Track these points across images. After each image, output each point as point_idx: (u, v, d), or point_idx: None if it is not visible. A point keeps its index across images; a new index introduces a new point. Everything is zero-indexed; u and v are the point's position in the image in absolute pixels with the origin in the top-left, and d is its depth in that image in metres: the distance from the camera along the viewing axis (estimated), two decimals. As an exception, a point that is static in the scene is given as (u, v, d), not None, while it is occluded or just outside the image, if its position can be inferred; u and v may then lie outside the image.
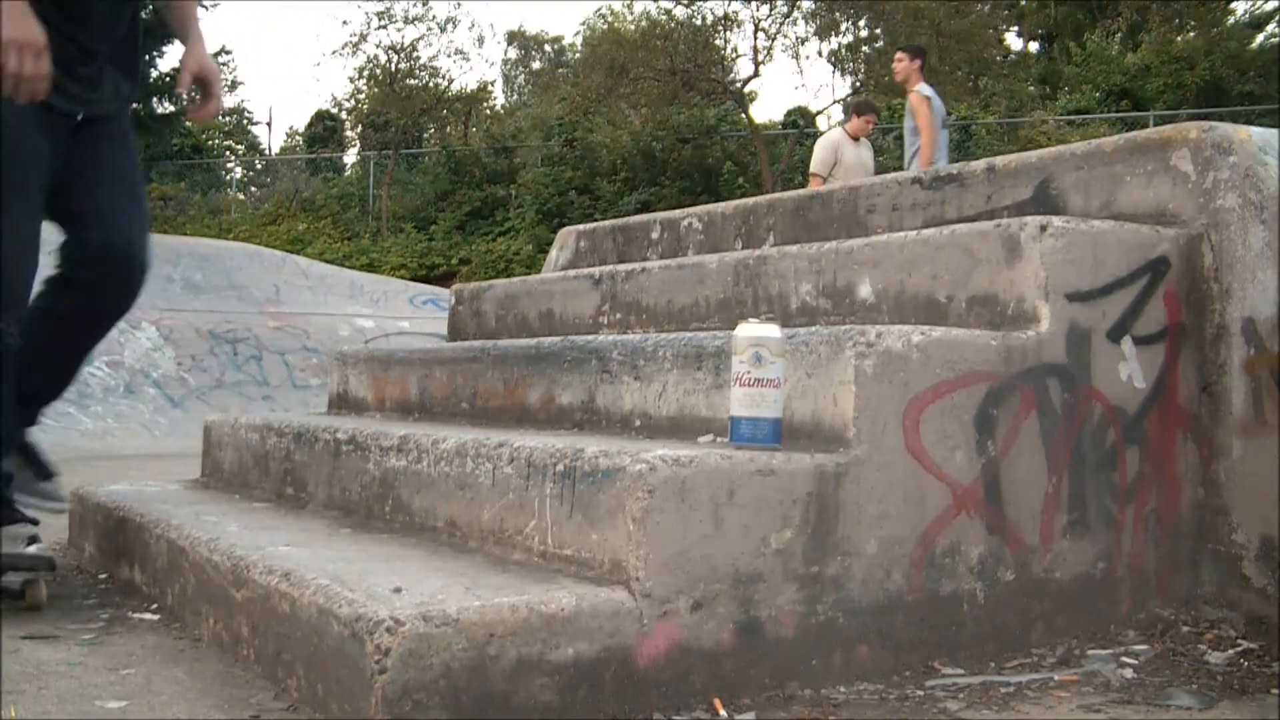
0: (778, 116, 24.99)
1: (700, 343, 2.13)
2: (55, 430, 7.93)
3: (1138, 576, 2.14)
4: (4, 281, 2.25)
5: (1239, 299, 2.18)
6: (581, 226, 4.12)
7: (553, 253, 4.18)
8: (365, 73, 23.50)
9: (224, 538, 2.16)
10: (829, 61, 22.62)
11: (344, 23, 49.26)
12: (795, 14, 20.73)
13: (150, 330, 8.58)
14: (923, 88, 8.01)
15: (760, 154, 19.64)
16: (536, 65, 39.66)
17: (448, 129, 26.56)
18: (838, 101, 21.18)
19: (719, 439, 1.97)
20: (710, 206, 3.56)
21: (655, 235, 3.65)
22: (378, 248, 20.05)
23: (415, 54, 23.32)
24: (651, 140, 19.77)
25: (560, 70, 33.75)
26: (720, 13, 20.72)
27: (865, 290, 2.35)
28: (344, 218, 22.19)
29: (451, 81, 24.34)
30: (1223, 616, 2.12)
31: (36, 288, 2.38)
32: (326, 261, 14.21)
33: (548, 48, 40.56)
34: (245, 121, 32.78)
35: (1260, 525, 2.14)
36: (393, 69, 23.26)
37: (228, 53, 33.57)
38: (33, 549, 2.39)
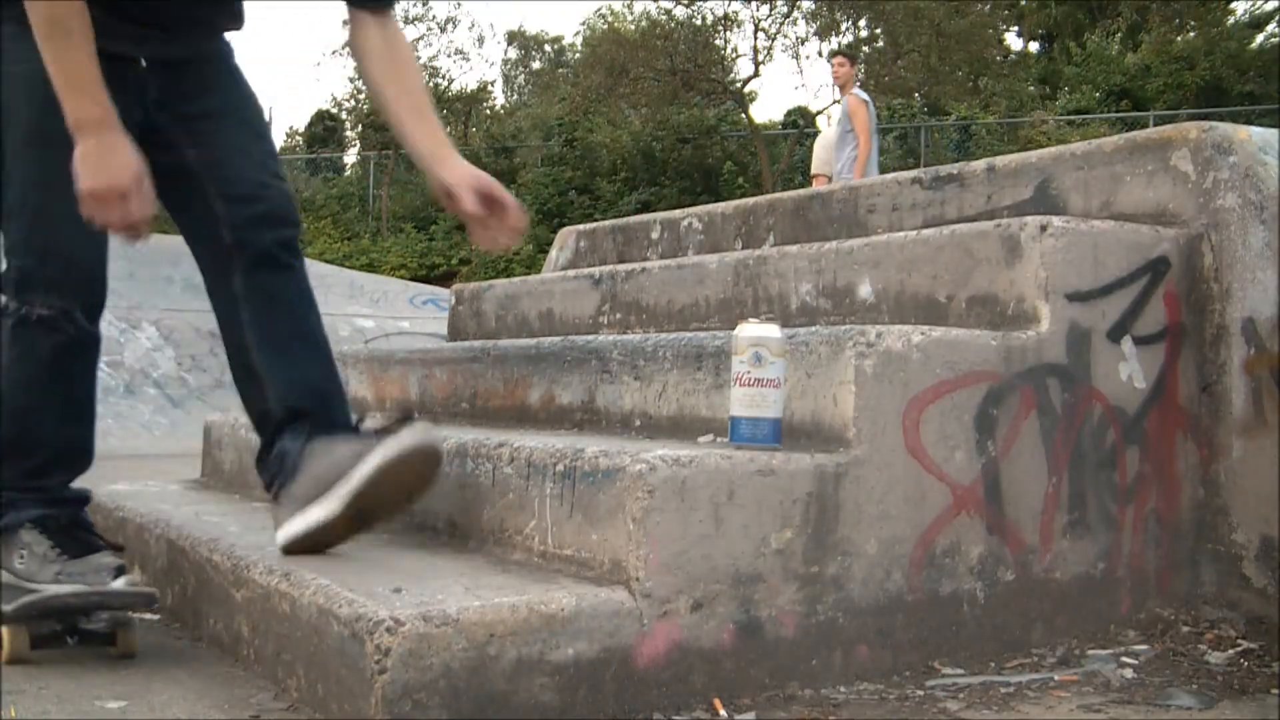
0: (778, 116, 25.01)
1: (700, 343, 2.13)
2: None
3: (1138, 576, 2.14)
4: (59, 259, 1.93)
5: (1239, 299, 2.18)
6: (581, 226, 4.12)
7: (553, 253, 4.18)
8: (365, 72, 23.46)
9: (224, 538, 2.16)
10: (829, 61, 22.64)
11: (344, 22, 49.25)
12: (795, 14, 20.75)
13: (150, 330, 8.57)
14: (860, 91, 8.32)
15: (760, 154, 19.65)
16: (536, 65, 39.70)
17: (448, 129, 26.54)
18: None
19: (719, 439, 1.97)
20: (710, 206, 3.56)
21: (655, 235, 3.65)
22: (378, 248, 20.05)
23: (415, 54, 23.30)
24: (651, 140, 19.79)
25: (560, 70, 33.79)
26: (720, 13, 20.76)
27: (865, 290, 2.35)
28: (344, 218, 22.19)
29: (451, 81, 24.36)
30: (1223, 616, 2.12)
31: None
32: (326, 261, 14.20)
33: (548, 48, 40.59)
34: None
35: (1260, 525, 2.14)
36: (393, 69, 23.21)
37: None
38: (121, 582, 1.88)
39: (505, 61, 39.55)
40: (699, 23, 20.64)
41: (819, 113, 22.16)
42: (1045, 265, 2.03)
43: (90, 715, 1.65)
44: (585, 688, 1.59)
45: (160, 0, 2.02)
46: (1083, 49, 21.85)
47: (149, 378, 8.41)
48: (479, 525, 2.00)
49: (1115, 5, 23.97)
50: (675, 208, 7.67)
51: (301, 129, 31.34)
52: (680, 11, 20.60)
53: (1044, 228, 2.05)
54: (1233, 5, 23.57)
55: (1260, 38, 22.88)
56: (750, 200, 3.44)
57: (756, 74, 20.84)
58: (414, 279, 15.15)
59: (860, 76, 8.61)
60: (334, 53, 35.59)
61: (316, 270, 11.71)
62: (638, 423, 2.23)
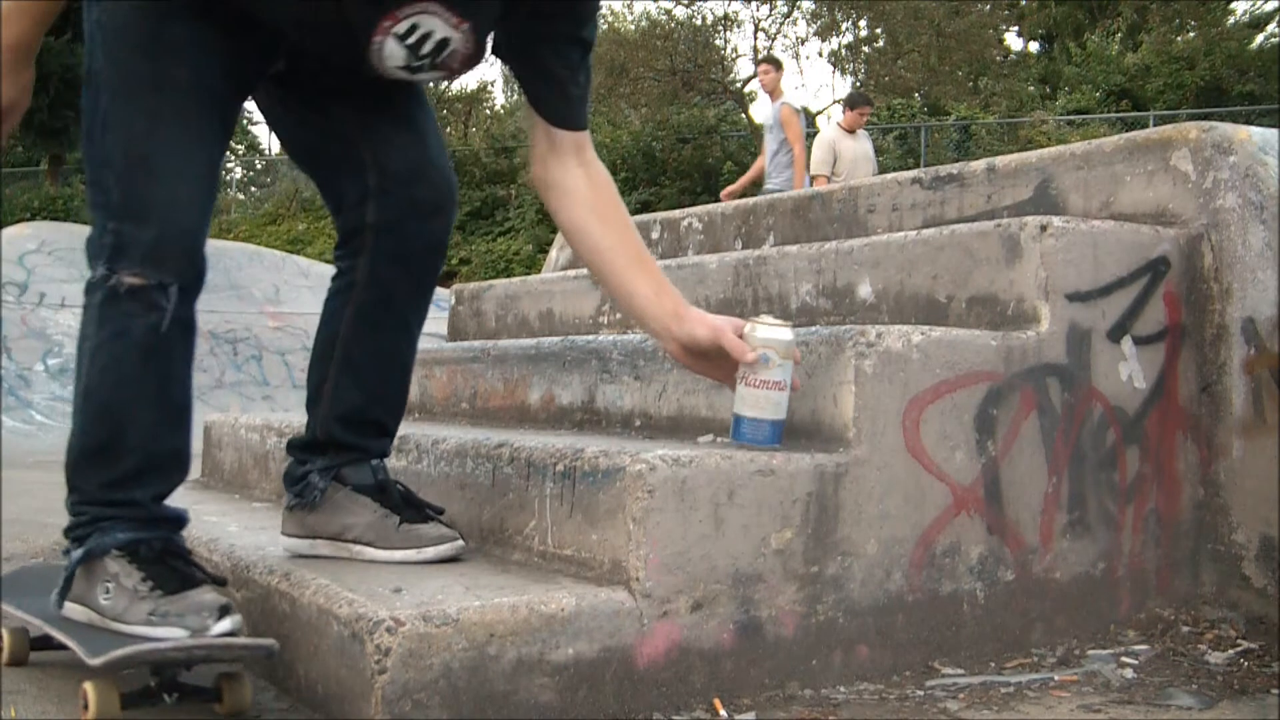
0: (778, 116, 24.97)
1: (700, 343, 2.13)
2: (56, 430, 7.93)
3: (1138, 576, 2.14)
4: (161, 221, 1.65)
5: (1239, 299, 2.18)
6: (582, 226, 4.11)
7: (553, 253, 4.19)
8: (365, 72, 23.49)
9: (224, 538, 2.16)
10: (829, 61, 22.67)
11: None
12: (795, 14, 20.77)
13: (150, 330, 8.55)
14: (791, 100, 8.48)
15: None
16: (536, 65, 39.62)
17: (448, 129, 26.58)
18: (837, 101, 21.18)
19: (719, 439, 1.97)
20: (710, 206, 3.56)
21: (655, 235, 3.65)
22: (378, 248, 20.03)
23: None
24: (651, 140, 19.79)
25: (560, 70, 33.72)
26: (720, 13, 20.79)
27: (865, 290, 2.35)
28: (345, 218, 22.18)
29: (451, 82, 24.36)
30: (1223, 616, 2.12)
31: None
32: (327, 262, 14.18)
33: (548, 48, 40.54)
34: (245, 121, 32.80)
35: (1260, 525, 2.14)
36: (393, 69, 23.24)
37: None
38: (227, 623, 1.54)
39: (505, 61, 39.56)
40: (699, 23, 20.68)
41: (819, 112, 22.17)
42: (1045, 265, 2.03)
43: (90, 715, 1.64)
44: (585, 688, 1.59)
45: None
46: (1083, 49, 21.87)
47: (149, 378, 8.35)
48: (479, 525, 2.00)
49: (1115, 5, 23.99)
50: (675, 208, 7.68)
51: (301, 129, 31.32)
52: (680, 11, 20.65)
53: (1044, 228, 2.05)
54: (1233, 5, 23.61)
55: (1260, 38, 22.90)
56: (750, 200, 3.44)
57: (756, 74, 20.87)
58: (414, 279, 15.13)
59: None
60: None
61: (317, 270, 11.74)
62: (638, 423, 2.23)
